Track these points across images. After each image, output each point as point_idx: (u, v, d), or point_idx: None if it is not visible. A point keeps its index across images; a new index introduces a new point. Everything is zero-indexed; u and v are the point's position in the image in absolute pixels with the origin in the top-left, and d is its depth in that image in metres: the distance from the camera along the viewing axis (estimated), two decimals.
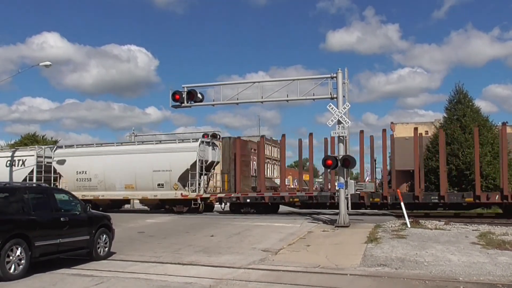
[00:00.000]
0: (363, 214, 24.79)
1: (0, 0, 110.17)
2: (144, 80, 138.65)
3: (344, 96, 19.17)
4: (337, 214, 19.06)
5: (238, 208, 25.69)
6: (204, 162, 26.30)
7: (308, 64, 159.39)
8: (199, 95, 21.40)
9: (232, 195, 25.45)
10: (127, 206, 34.10)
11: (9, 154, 30.53)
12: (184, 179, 25.94)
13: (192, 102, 21.47)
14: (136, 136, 37.61)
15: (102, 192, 27.70)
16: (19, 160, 29.79)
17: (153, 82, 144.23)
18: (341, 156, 18.49)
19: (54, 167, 29.04)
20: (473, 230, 16.47)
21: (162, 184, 26.23)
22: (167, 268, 10.23)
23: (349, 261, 10.89)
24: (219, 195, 26.61)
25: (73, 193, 12.76)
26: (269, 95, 21.06)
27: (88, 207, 11.64)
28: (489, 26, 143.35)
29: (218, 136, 33.45)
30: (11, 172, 29.16)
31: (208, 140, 27.43)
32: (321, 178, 54.87)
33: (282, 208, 27.38)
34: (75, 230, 10.64)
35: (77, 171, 28.23)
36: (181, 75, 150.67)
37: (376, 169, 31.33)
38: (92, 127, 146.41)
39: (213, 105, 22.27)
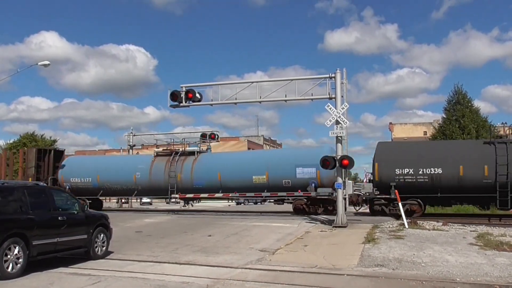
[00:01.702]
0: (361, 214, 24.81)
1: None
2: (142, 80, 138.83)
3: (342, 96, 19.17)
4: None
5: None
6: None
7: (306, 65, 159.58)
8: (197, 95, 21.38)
9: None
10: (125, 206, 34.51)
11: None
12: None
13: (191, 102, 21.45)
14: (134, 135, 37.68)
15: None
16: None
17: (151, 82, 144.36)
18: (339, 156, 18.51)
19: None
20: (471, 231, 16.49)
21: None
22: (164, 268, 10.23)
23: (346, 261, 10.90)
24: None
25: None
26: (267, 95, 21.06)
27: (86, 207, 11.66)
28: (488, 27, 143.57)
29: (217, 136, 33.55)
30: None
31: None
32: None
33: (283, 208, 27.61)
34: (73, 229, 10.64)
35: None
36: (179, 75, 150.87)
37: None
38: (91, 127, 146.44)
39: (211, 105, 22.27)
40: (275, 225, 18.70)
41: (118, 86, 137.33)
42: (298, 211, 24.34)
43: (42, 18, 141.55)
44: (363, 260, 10.89)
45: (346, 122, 18.64)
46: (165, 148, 30.41)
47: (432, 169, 21.63)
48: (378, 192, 22.74)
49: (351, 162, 18.44)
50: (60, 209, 10.62)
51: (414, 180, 21.85)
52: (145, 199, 39.38)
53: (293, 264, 10.67)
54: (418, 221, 18.63)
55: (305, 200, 24.18)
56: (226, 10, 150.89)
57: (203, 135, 33.68)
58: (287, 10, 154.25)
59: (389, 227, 17.52)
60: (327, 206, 23.77)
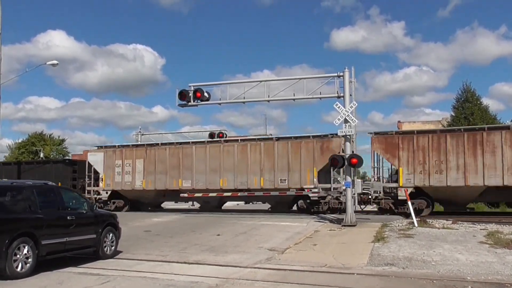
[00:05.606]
0: (370, 213, 24.70)
1: None
2: (150, 79, 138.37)
3: (351, 95, 19.07)
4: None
5: None
6: None
7: (313, 63, 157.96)
8: (205, 94, 21.33)
9: None
10: None
11: None
12: None
13: (199, 101, 21.40)
14: (143, 135, 37.78)
15: None
16: None
17: (159, 81, 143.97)
18: (348, 155, 18.43)
19: None
20: (481, 229, 16.35)
21: None
22: (173, 267, 10.23)
23: (356, 260, 10.84)
24: None
25: None
26: (275, 94, 20.99)
27: (95, 206, 11.68)
28: (496, 24, 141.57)
29: (225, 135, 33.52)
30: None
31: None
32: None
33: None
34: (82, 228, 10.66)
35: None
36: (186, 74, 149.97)
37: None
38: (98, 126, 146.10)
39: (219, 104, 22.26)
40: (283, 224, 18.66)
41: (125, 85, 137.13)
42: None
43: (50, 17, 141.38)
44: (373, 259, 10.83)
45: (354, 120, 18.55)
46: None
47: None
48: None
49: (360, 161, 18.36)
50: (69, 209, 10.66)
51: None
52: None
53: (303, 263, 10.63)
54: (428, 220, 18.51)
55: None
56: (233, 8, 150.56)
57: (211, 134, 33.68)
58: (293, 9, 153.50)
59: (398, 225, 17.42)
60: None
